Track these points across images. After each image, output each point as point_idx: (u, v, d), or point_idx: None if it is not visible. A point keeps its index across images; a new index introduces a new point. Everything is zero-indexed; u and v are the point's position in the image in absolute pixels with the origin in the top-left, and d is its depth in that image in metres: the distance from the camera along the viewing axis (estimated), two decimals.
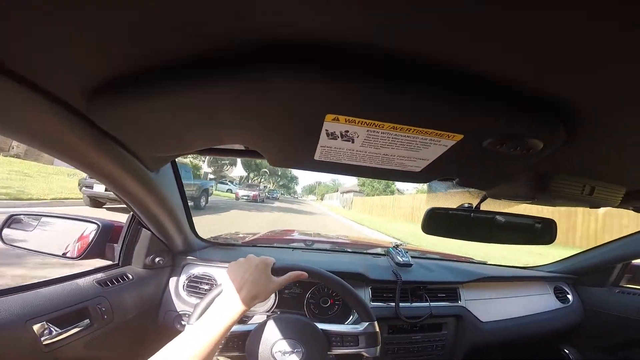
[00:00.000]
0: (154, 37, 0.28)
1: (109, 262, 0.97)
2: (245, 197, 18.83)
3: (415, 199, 18.11)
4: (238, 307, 0.59)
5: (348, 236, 2.26)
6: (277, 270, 0.70)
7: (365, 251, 1.48)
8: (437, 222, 0.73)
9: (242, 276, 0.63)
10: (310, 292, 1.07)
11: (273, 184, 55.15)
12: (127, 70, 0.33)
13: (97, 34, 0.27)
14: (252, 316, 0.98)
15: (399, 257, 1.25)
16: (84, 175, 5.85)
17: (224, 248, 1.23)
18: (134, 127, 0.45)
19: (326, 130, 0.39)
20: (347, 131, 0.39)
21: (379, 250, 1.45)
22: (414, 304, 1.14)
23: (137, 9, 0.24)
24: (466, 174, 0.55)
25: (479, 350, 1.22)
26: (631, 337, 1.34)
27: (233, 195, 20.31)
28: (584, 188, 0.56)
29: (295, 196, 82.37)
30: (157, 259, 1.00)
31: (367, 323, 0.80)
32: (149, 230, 0.95)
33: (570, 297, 1.48)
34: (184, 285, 1.06)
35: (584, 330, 1.44)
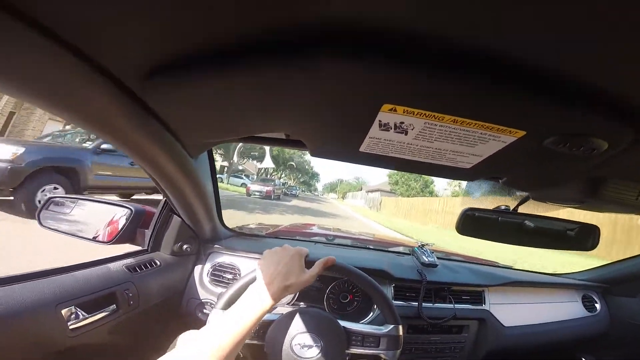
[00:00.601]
0: (214, 19, 0.27)
1: (139, 248, 1.00)
2: (258, 193, 16.58)
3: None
4: (270, 297, 0.59)
5: (371, 233, 2.24)
6: (310, 263, 0.70)
7: (388, 249, 1.47)
8: (473, 223, 0.71)
9: (277, 265, 0.64)
10: (331, 286, 1.07)
11: (294, 179, 53.38)
12: (183, 53, 0.33)
13: (161, 14, 0.27)
14: (274, 308, 0.98)
15: (424, 257, 1.23)
16: None
17: (248, 238, 1.24)
18: (183, 111, 0.45)
19: (380, 120, 0.38)
20: (402, 122, 0.37)
21: (402, 249, 1.43)
22: (437, 305, 1.12)
23: None
24: (516, 173, 0.53)
25: (498, 355, 1.19)
26: None
27: (244, 190, 18.40)
28: (639, 196, 0.52)
29: (316, 194, 79.95)
30: (184, 246, 1.02)
31: (392, 326, 0.79)
32: (180, 217, 0.97)
33: (597, 306, 1.42)
34: (208, 273, 1.08)
35: (607, 340, 1.40)
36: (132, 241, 1.00)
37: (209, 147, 0.73)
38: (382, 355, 0.78)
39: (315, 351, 0.73)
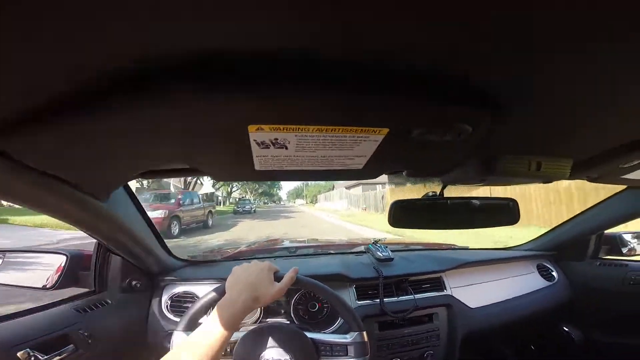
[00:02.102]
0: (64, 64, 0.27)
1: (86, 290, 0.95)
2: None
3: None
4: (240, 309, 0.59)
5: (330, 239, 2.26)
6: (279, 278, 0.71)
7: (347, 251, 1.48)
8: (403, 214, 0.74)
9: (247, 279, 0.64)
10: (296, 298, 1.07)
11: (251, 192, 47.30)
12: (40, 102, 0.31)
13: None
14: (242, 324, 0.97)
15: (379, 252, 1.25)
16: None
17: (203, 265, 1.22)
18: (62, 159, 0.44)
19: (255, 140, 0.39)
20: (276, 139, 0.39)
21: (363, 249, 1.44)
22: (400, 298, 1.13)
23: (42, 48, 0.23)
24: (411, 165, 0.56)
25: (476, 336, 1.21)
26: (622, 309, 1.33)
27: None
28: (530, 165, 0.57)
29: (282, 203, 74.09)
30: (133, 282, 0.99)
31: (356, 333, 0.80)
32: (119, 255, 0.94)
33: (554, 274, 1.48)
34: (167, 306, 1.05)
35: (577, 307, 1.44)
36: (76, 284, 0.96)
37: (115, 187, 0.70)
38: None
39: None
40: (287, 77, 0.30)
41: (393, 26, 0.24)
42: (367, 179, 0.59)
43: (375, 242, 1.34)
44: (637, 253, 1.38)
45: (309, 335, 0.79)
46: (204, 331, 0.56)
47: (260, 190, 52.00)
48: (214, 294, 0.77)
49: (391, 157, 0.49)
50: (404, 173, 0.61)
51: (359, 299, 1.11)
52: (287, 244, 1.91)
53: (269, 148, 0.41)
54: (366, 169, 0.52)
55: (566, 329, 1.46)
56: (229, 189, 34.01)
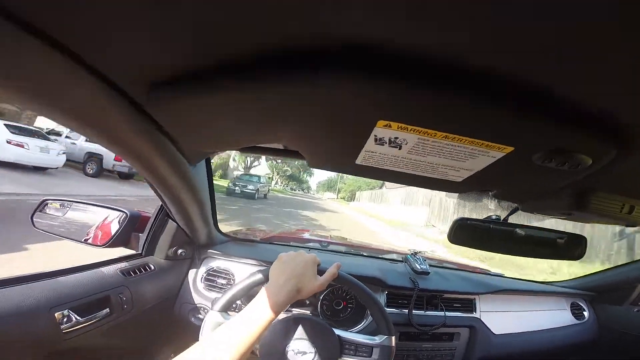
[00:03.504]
0: (216, 37, 0.28)
1: (133, 252, 0.99)
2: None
3: None
4: (284, 298, 0.59)
5: (366, 241, 2.25)
6: (321, 271, 0.71)
7: (381, 256, 1.48)
8: (465, 232, 0.72)
9: (294, 268, 0.64)
10: (326, 293, 1.07)
11: (277, 172, 42.28)
12: (187, 67, 0.34)
13: (166, 29, 0.28)
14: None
15: (417, 264, 1.24)
16: None
17: (242, 244, 1.24)
18: (186, 122, 0.46)
19: (375, 135, 0.39)
20: (396, 138, 0.39)
21: (395, 257, 1.44)
22: (428, 312, 1.13)
23: (205, 8, 0.25)
24: (506, 187, 0.55)
25: None
26: None
27: None
28: (623, 207, 0.55)
29: (310, 192, 67.87)
30: (179, 251, 1.02)
31: (385, 337, 0.80)
32: (175, 222, 0.97)
33: (586, 313, 1.44)
34: (202, 278, 1.08)
35: (598, 348, 1.41)
36: (126, 245, 1.00)
37: (208, 155, 0.74)
38: None
39: (309, 358, 0.74)
40: (431, 79, 0.29)
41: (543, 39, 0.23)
42: (455, 192, 0.58)
43: (415, 254, 1.33)
44: None
45: (336, 331, 0.79)
46: (246, 316, 0.56)
47: (288, 173, 45.91)
48: (254, 278, 0.77)
49: (495, 177, 0.48)
50: (491, 193, 0.59)
51: (388, 306, 1.10)
52: (319, 237, 1.92)
53: (383, 145, 0.41)
54: (462, 183, 0.51)
55: None
56: (246, 163, 28.90)
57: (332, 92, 0.32)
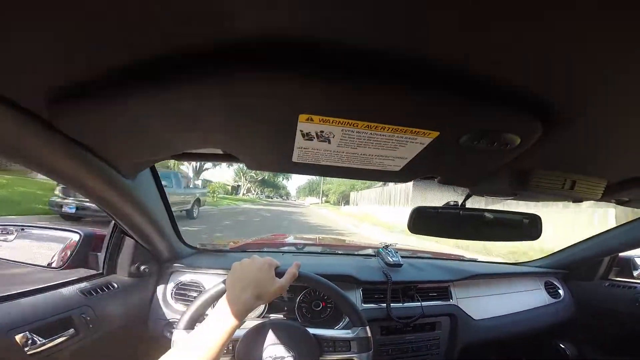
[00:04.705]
0: (117, 40, 0.26)
1: (94, 272, 0.95)
2: None
3: None
4: (242, 308, 0.58)
5: (340, 238, 2.26)
6: (280, 274, 0.69)
7: (356, 253, 1.48)
8: (423, 220, 0.73)
9: (247, 276, 0.62)
10: (302, 295, 1.06)
11: (246, 178, 36.52)
12: (89, 75, 0.32)
13: (56, 37, 0.26)
14: (243, 322, 0.96)
15: (389, 257, 1.24)
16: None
17: (211, 255, 1.21)
18: (101, 133, 0.44)
19: (301, 131, 0.38)
20: (322, 131, 0.38)
21: (369, 252, 1.44)
22: (406, 304, 1.13)
23: (101, 9, 0.23)
24: (447, 171, 0.55)
25: (474, 348, 1.21)
26: (624, 330, 1.34)
27: None
28: (565, 182, 0.56)
29: (291, 198, 64.41)
30: (142, 267, 0.98)
31: (359, 328, 0.80)
32: (133, 238, 0.93)
33: (561, 292, 1.48)
34: (172, 294, 1.05)
35: (578, 325, 1.45)
36: (85, 265, 0.96)
37: (144, 167, 0.71)
38: (356, 358, 0.78)
39: None
40: (346, 69, 0.29)
41: (458, 26, 0.23)
42: (398, 181, 0.58)
43: (386, 247, 1.34)
44: None
45: (312, 331, 0.79)
46: (204, 332, 0.54)
47: (260, 178, 39.47)
48: (216, 289, 0.76)
49: (431, 163, 0.48)
50: (437, 180, 0.59)
51: (365, 302, 1.10)
52: (293, 240, 1.91)
53: (312, 140, 0.40)
54: (402, 172, 0.51)
55: (562, 345, 1.47)
56: (195, 167, 22.67)
57: (248, 90, 0.31)
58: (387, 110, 0.34)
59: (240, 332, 0.78)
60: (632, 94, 0.33)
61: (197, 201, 9.36)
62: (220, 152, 0.53)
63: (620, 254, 1.45)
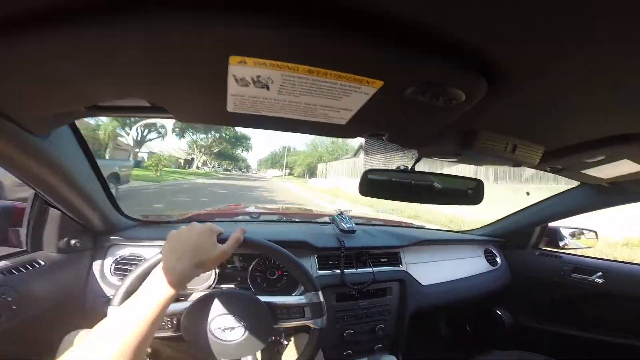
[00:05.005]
0: None
1: (16, 249, 0.85)
2: None
3: None
4: (179, 277, 0.53)
5: (297, 207, 2.26)
6: (224, 241, 0.64)
7: (312, 220, 1.48)
8: (373, 184, 0.73)
9: (185, 243, 0.57)
10: (254, 264, 1.04)
11: (199, 150, 33.16)
12: None
13: None
14: (190, 294, 0.92)
15: (343, 223, 1.25)
16: None
17: (156, 227, 1.13)
18: None
19: (234, 75, 0.34)
20: (259, 76, 0.35)
21: (326, 219, 1.45)
22: (359, 270, 1.16)
23: None
24: (394, 128, 0.55)
25: (423, 314, 1.28)
26: (554, 297, 1.45)
27: None
28: (507, 146, 0.58)
29: (251, 171, 60.23)
30: (72, 242, 0.89)
31: (312, 293, 0.78)
32: (57, 209, 0.83)
33: (498, 259, 1.58)
34: (111, 269, 0.97)
35: (513, 293, 1.56)
36: (6, 243, 0.85)
37: (58, 123, 0.61)
38: (311, 324, 0.77)
39: (239, 332, 0.71)
40: (281, 5, 0.26)
41: None
42: (345, 137, 0.56)
43: (341, 213, 1.34)
44: (569, 247, 1.51)
45: (263, 299, 0.77)
46: (134, 305, 0.49)
47: (215, 150, 35.52)
48: (150, 262, 0.69)
49: (377, 116, 0.47)
50: (384, 138, 0.58)
51: (320, 269, 1.12)
52: (250, 209, 1.86)
53: (247, 86, 0.37)
54: (349, 126, 0.49)
55: (499, 312, 1.58)
56: (137, 135, 21.29)
57: (169, 28, 0.27)
58: (328, 53, 0.31)
59: (185, 304, 0.74)
60: (571, 69, 0.34)
61: (114, 177, 7.15)
62: (145, 104, 0.47)
63: (550, 225, 1.54)
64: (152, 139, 24.85)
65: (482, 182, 0.83)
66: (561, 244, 1.52)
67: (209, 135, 33.10)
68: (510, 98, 0.43)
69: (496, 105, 0.45)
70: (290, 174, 46.28)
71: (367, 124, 0.51)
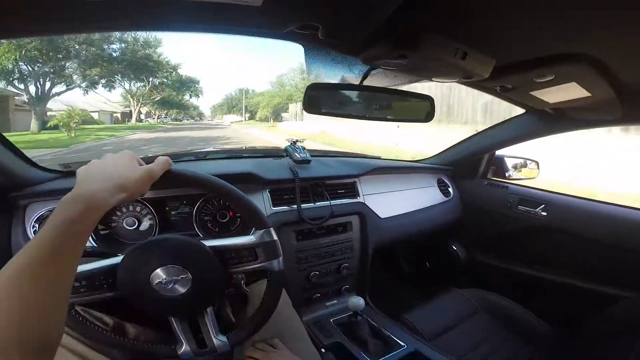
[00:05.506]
0: None
1: None
2: None
3: None
4: (94, 204, 0.42)
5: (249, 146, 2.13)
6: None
7: (263, 155, 1.39)
8: (318, 98, 0.67)
9: (103, 168, 0.47)
10: (198, 206, 0.95)
11: (135, 99, 28.03)
12: None
13: None
14: (125, 248, 0.82)
15: (296, 154, 1.18)
16: None
17: None
18: None
19: None
20: None
21: (279, 153, 1.33)
22: (317, 204, 1.12)
23: None
24: (326, 17, 0.47)
25: (384, 250, 1.30)
26: (503, 231, 1.43)
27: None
28: (457, 52, 0.54)
29: (206, 119, 53.51)
30: None
31: (262, 231, 0.65)
32: None
33: (450, 190, 1.57)
34: (33, 230, 0.83)
35: (465, 226, 1.55)
36: None
37: None
38: (267, 267, 0.66)
39: (185, 283, 0.60)
40: None
41: None
42: (267, 33, 0.46)
43: (294, 143, 1.25)
44: (512, 178, 1.51)
45: (207, 243, 0.64)
46: (36, 243, 0.37)
47: (156, 98, 29.89)
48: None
49: None
50: (319, 34, 0.50)
51: (274, 205, 1.05)
52: (196, 151, 1.72)
53: None
54: (267, 9, 0.39)
55: (454, 247, 1.60)
56: (40, 85, 16.90)
57: None
58: None
59: (117, 259, 0.61)
60: None
61: None
62: None
63: (497, 153, 1.52)
64: (60, 92, 19.95)
65: (433, 99, 0.80)
66: (506, 174, 1.51)
67: (146, 83, 27.87)
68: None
69: (439, 3, 0.42)
70: (250, 118, 41.68)
71: (291, 8, 0.43)
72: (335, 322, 1.13)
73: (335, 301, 1.21)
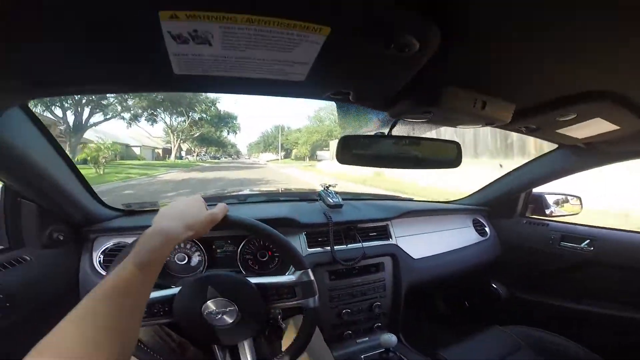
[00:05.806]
0: None
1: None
2: None
3: None
4: (167, 237, 0.50)
5: (284, 187, 2.24)
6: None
7: (299, 198, 1.47)
8: (350, 150, 0.73)
9: (174, 209, 0.56)
10: (242, 246, 1.04)
11: (174, 134, 27.33)
12: None
13: None
14: (180, 280, 0.92)
15: (329, 198, 1.24)
16: None
17: (140, 215, 1.12)
18: None
19: (169, 32, 0.33)
20: (195, 30, 0.33)
21: (313, 197, 1.41)
22: (349, 246, 1.16)
23: None
24: (356, 84, 0.54)
25: (418, 290, 1.28)
26: (546, 268, 1.41)
27: None
28: (476, 102, 0.58)
29: (242, 157, 55.82)
30: (55, 235, 0.87)
31: (301, 272, 0.74)
32: (29, 200, 0.81)
33: (487, 229, 1.55)
34: (99, 262, 0.96)
35: (505, 264, 1.52)
36: None
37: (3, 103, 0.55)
38: (303, 304, 0.74)
39: (232, 315, 0.69)
40: None
41: None
42: (308, 97, 0.56)
43: (327, 188, 1.32)
44: (554, 214, 1.48)
45: (253, 280, 0.74)
46: (125, 267, 0.43)
47: (196, 135, 29.64)
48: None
49: (335, 69, 0.46)
50: (350, 97, 0.58)
51: (309, 247, 1.11)
52: (238, 192, 1.85)
53: (187, 43, 0.35)
54: (308, 82, 0.47)
55: (494, 286, 1.56)
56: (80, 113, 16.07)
57: None
58: None
59: (175, 290, 0.72)
60: (535, 23, 0.34)
61: None
62: (92, 78, 0.45)
63: (534, 191, 1.50)
64: (98, 122, 18.75)
65: (460, 144, 0.83)
66: (547, 211, 1.48)
67: (186, 118, 27.34)
68: (471, 50, 0.42)
69: (458, 58, 0.45)
70: (286, 156, 41.38)
71: (328, 80, 0.50)
72: (367, 358, 1.12)
73: (367, 338, 1.20)
